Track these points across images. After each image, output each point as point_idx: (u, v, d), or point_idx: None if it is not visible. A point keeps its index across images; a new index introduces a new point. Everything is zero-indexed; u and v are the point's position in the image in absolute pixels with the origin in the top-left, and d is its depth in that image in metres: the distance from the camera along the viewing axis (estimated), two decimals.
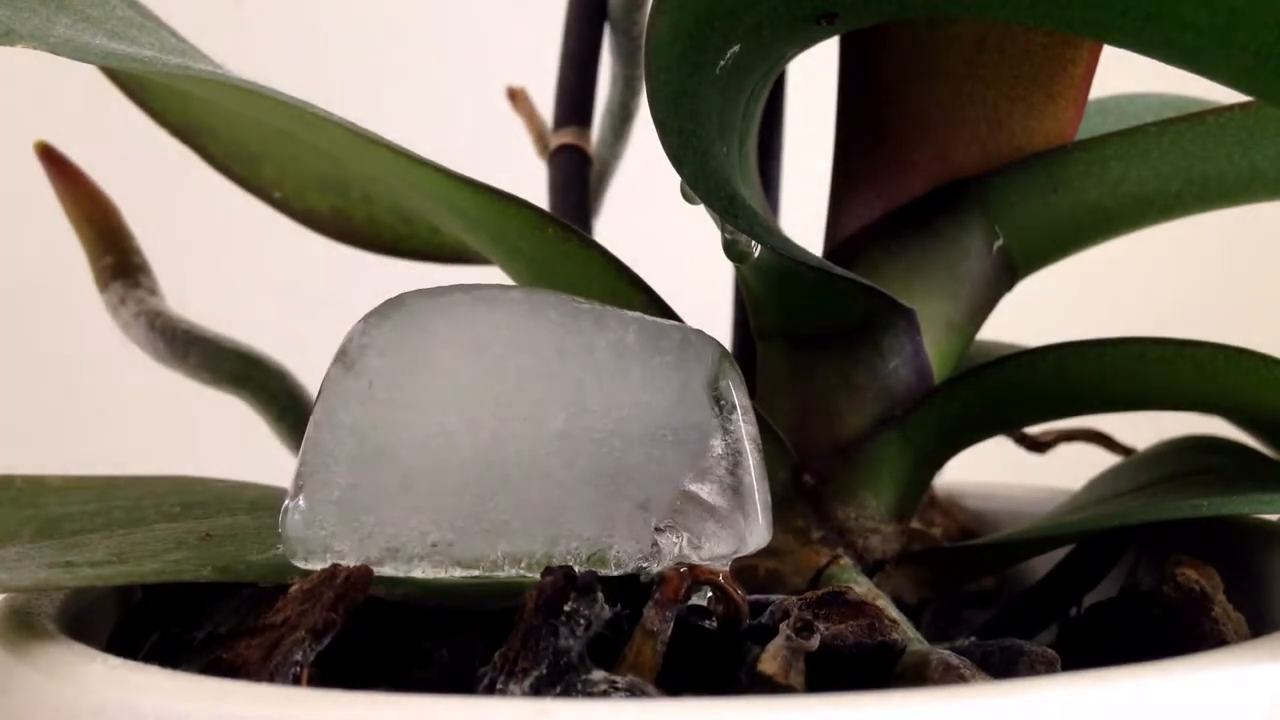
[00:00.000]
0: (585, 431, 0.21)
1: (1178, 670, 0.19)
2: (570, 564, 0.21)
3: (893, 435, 0.28)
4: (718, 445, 0.21)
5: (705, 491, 0.22)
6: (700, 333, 0.22)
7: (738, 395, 0.21)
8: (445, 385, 0.20)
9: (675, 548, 0.22)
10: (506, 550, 0.21)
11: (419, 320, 0.20)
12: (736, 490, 0.22)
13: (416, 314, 0.20)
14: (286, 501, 0.21)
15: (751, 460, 0.21)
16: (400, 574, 0.21)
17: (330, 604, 0.20)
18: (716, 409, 0.21)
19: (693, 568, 0.22)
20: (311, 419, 0.21)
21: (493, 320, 0.20)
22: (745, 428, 0.21)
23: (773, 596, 0.24)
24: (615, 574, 0.22)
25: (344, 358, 0.20)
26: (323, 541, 0.21)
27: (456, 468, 0.21)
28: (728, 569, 0.22)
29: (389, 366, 0.20)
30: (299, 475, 0.21)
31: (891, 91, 0.28)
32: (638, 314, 0.22)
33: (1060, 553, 0.30)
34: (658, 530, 0.22)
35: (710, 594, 0.22)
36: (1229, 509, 0.26)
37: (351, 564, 0.21)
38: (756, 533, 0.22)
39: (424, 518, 0.21)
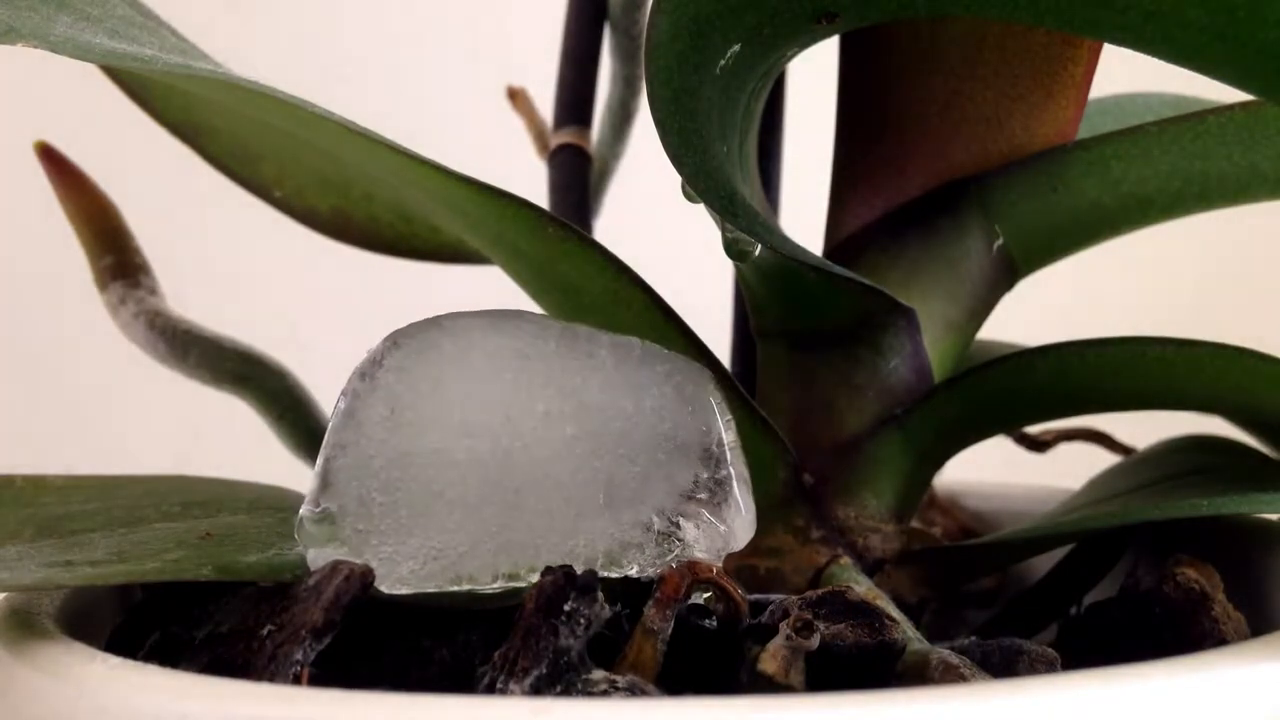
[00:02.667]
0: (592, 438, 0.22)
1: (1178, 669, 0.19)
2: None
3: (893, 434, 0.28)
4: (710, 447, 0.22)
5: (700, 492, 0.22)
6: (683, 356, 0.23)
7: (719, 401, 0.23)
8: (461, 406, 0.21)
9: (676, 547, 0.22)
10: (526, 563, 0.21)
11: (434, 344, 0.21)
12: (726, 489, 0.22)
13: (432, 338, 0.21)
14: (302, 516, 0.21)
15: (736, 460, 0.23)
16: (425, 591, 0.21)
17: (330, 603, 0.20)
18: (708, 413, 0.22)
19: (693, 566, 0.22)
20: (330, 441, 0.21)
21: (500, 341, 0.21)
22: (729, 431, 0.23)
23: (773, 596, 0.24)
24: (617, 575, 0.22)
25: (363, 381, 0.21)
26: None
27: (474, 486, 0.21)
28: (720, 565, 0.22)
29: (407, 390, 0.21)
30: (318, 495, 0.21)
31: (891, 91, 0.28)
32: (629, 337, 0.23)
33: (1060, 552, 0.30)
34: (661, 533, 0.22)
35: (710, 593, 0.22)
36: (1229, 508, 0.26)
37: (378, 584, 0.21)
38: (744, 528, 0.23)
39: (445, 538, 0.21)
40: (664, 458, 0.22)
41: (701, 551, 0.22)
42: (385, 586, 0.21)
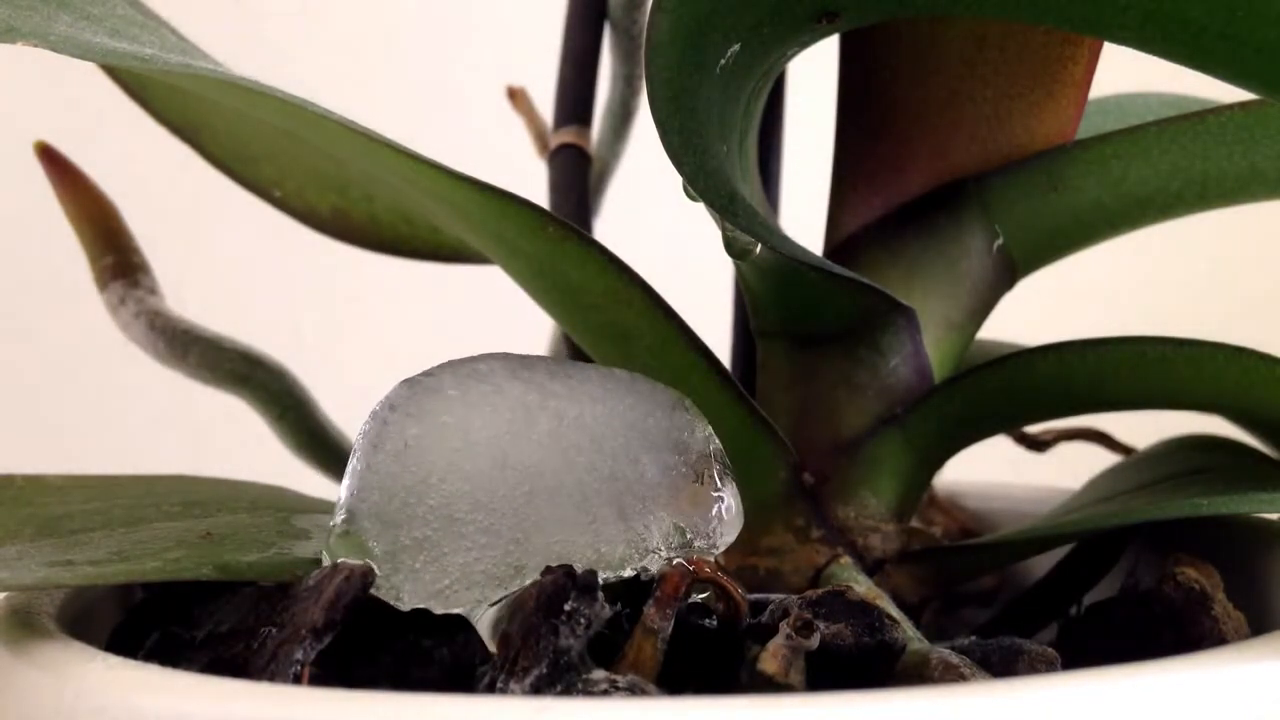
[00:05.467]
0: (594, 449, 0.23)
1: (1178, 669, 0.19)
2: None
3: (893, 434, 0.28)
4: (697, 448, 0.24)
5: (693, 490, 0.23)
6: None
7: (697, 411, 0.24)
8: (466, 434, 0.22)
9: (672, 546, 0.23)
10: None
11: (438, 382, 0.23)
12: (715, 485, 0.23)
13: (435, 378, 0.23)
14: (332, 532, 0.22)
15: (723, 458, 0.24)
16: (452, 610, 0.21)
17: (330, 603, 0.20)
18: (691, 420, 0.24)
19: (693, 565, 0.22)
20: (351, 473, 0.22)
21: (495, 373, 0.23)
22: (712, 435, 0.24)
23: (773, 595, 0.24)
24: (617, 577, 0.22)
25: (379, 419, 0.22)
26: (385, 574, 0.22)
27: (489, 507, 0.22)
28: (720, 564, 0.22)
29: (416, 424, 0.22)
30: (346, 523, 0.22)
31: (891, 90, 0.28)
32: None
33: (1060, 552, 0.30)
34: (664, 531, 0.23)
35: (709, 593, 0.22)
36: (1229, 508, 0.26)
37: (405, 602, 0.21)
38: (735, 520, 0.24)
39: (467, 558, 0.22)
40: (660, 461, 0.23)
41: (701, 545, 0.23)
42: (416, 605, 0.21)
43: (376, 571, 0.21)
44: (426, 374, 0.23)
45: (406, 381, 0.23)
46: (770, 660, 0.21)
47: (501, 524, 0.22)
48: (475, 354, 0.23)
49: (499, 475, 0.22)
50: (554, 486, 0.22)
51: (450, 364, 0.23)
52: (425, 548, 0.21)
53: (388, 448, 0.22)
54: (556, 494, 0.22)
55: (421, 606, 0.22)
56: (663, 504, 0.23)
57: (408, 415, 0.22)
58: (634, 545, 0.23)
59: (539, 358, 0.23)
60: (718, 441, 0.24)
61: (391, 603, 0.21)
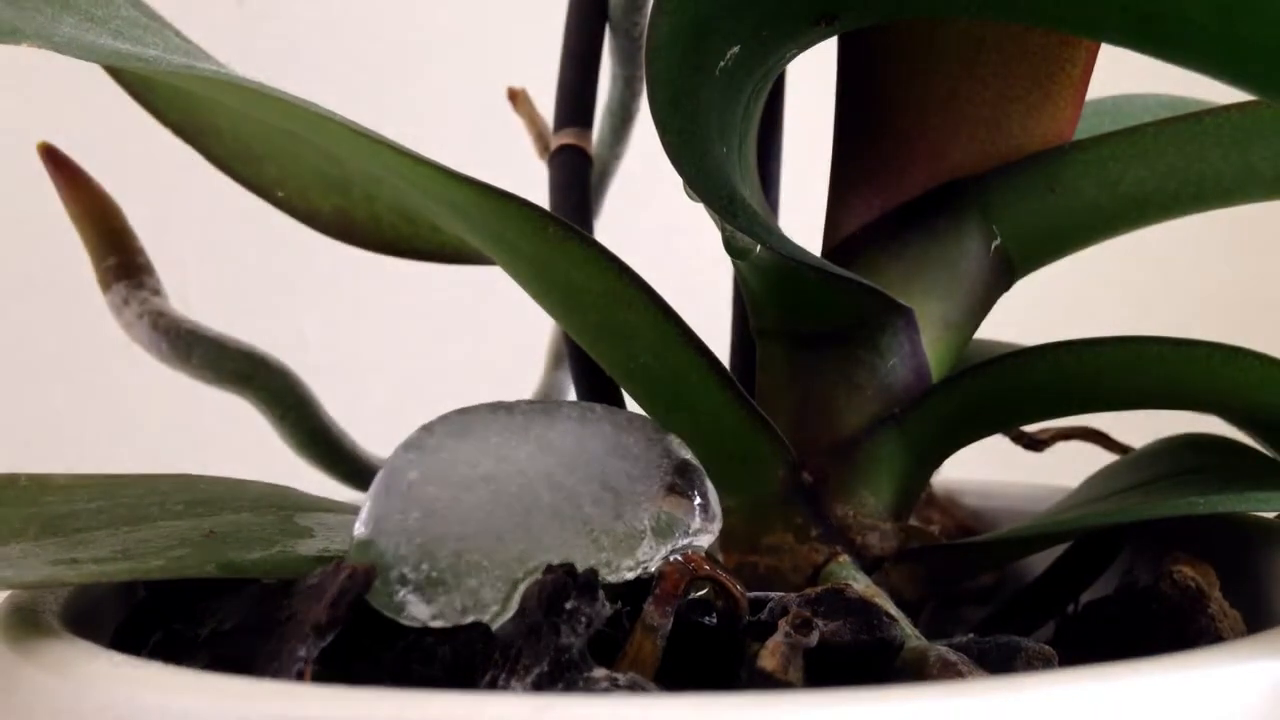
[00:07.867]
0: (584, 462, 0.24)
1: (1174, 667, 0.19)
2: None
3: (891, 433, 0.28)
4: (673, 452, 0.25)
5: (673, 497, 0.24)
6: None
7: (661, 428, 0.26)
8: (463, 464, 0.24)
9: (663, 546, 0.23)
10: None
11: (439, 426, 0.25)
12: (692, 493, 0.24)
13: (435, 423, 0.25)
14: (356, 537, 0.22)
15: (697, 468, 0.25)
16: (469, 620, 0.22)
17: (334, 600, 0.20)
18: (662, 434, 0.25)
19: (691, 562, 0.22)
20: (371, 502, 0.23)
21: (484, 415, 0.25)
22: (685, 446, 0.25)
23: (772, 593, 0.24)
24: (619, 580, 0.23)
25: (395, 459, 0.24)
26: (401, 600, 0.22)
27: (494, 527, 0.23)
28: (719, 561, 0.23)
29: (420, 461, 0.24)
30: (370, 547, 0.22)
31: (890, 91, 0.28)
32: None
33: (1058, 550, 0.30)
34: (657, 530, 0.23)
35: (709, 590, 0.23)
36: (1225, 507, 0.26)
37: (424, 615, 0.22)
38: (712, 527, 0.24)
39: (479, 577, 0.22)
40: (645, 469, 0.24)
41: (695, 539, 0.24)
42: (436, 622, 0.22)
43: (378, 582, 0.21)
44: (433, 421, 0.24)
45: (420, 426, 0.24)
46: (769, 657, 0.21)
47: (505, 547, 0.22)
48: (464, 406, 0.25)
49: (497, 499, 0.23)
50: (551, 503, 0.23)
51: (443, 416, 0.25)
52: (435, 577, 0.22)
53: (397, 490, 0.23)
54: (556, 509, 0.23)
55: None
56: (653, 508, 0.23)
57: (411, 459, 0.23)
58: (632, 548, 0.23)
59: (519, 400, 0.25)
60: (691, 452, 0.25)
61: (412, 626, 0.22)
